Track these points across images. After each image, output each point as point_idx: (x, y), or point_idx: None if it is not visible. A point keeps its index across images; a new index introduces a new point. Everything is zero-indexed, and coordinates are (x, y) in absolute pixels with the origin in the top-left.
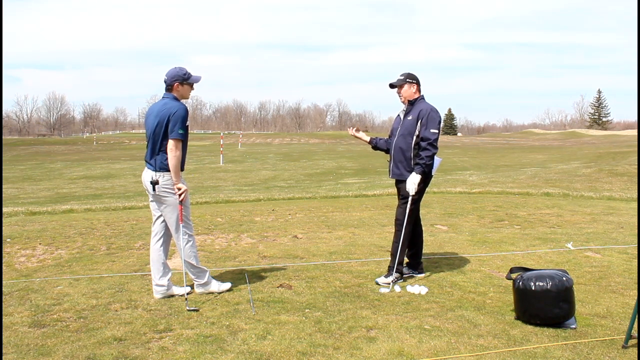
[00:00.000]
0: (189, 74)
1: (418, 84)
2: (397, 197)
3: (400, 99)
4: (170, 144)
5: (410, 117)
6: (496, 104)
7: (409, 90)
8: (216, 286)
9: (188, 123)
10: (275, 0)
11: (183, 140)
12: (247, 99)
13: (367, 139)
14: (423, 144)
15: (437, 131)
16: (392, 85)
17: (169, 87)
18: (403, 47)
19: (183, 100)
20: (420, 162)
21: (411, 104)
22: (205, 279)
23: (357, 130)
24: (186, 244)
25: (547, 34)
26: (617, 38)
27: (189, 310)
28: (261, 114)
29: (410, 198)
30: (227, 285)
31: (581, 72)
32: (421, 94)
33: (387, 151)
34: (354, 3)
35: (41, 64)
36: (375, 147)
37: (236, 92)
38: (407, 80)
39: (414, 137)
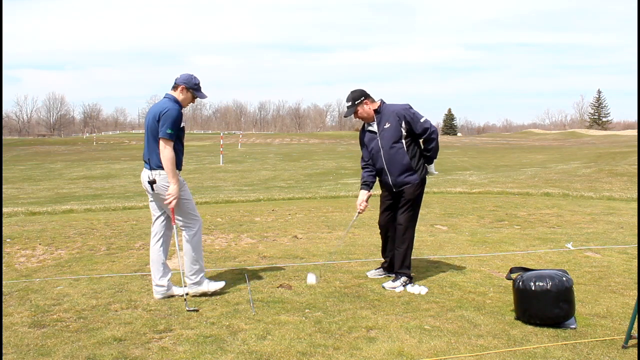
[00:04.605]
0: (200, 86)
1: (367, 96)
2: (380, 203)
3: (365, 119)
4: (160, 143)
5: (387, 125)
6: (496, 104)
7: (365, 109)
8: (206, 286)
9: (184, 124)
10: (275, 0)
11: (172, 140)
12: (247, 99)
13: (369, 192)
14: (426, 135)
15: (425, 117)
16: (347, 116)
17: (175, 87)
18: (403, 47)
19: None
20: (433, 155)
21: (377, 113)
22: (199, 278)
23: (364, 204)
24: (194, 236)
25: (547, 34)
26: (617, 38)
27: (188, 310)
28: (261, 114)
29: (412, 203)
30: (219, 284)
31: (581, 72)
32: (377, 99)
33: (376, 176)
34: (354, 3)
35: (41, 64)
36: (372, 186)
37: (236, 92)
38: (356, 103)
39: (404, 141)
